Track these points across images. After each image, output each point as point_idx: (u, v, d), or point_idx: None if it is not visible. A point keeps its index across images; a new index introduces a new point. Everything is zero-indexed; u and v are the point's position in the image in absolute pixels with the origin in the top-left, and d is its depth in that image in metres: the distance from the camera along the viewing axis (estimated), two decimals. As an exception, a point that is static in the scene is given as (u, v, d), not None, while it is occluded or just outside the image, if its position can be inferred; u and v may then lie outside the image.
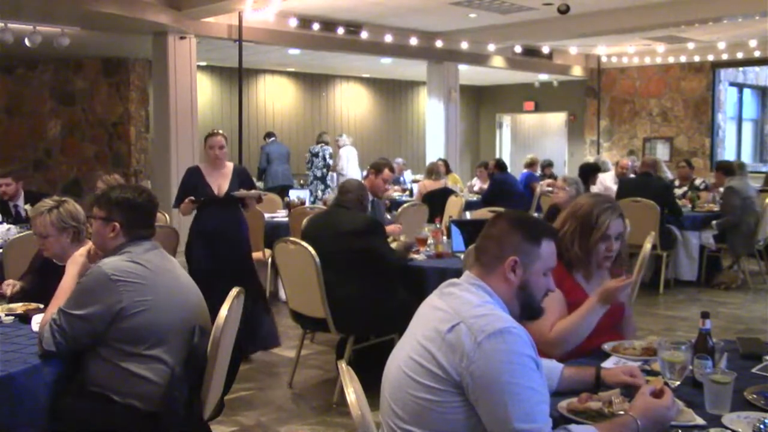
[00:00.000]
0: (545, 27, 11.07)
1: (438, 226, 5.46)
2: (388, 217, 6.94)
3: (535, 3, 9.60)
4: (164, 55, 9.29)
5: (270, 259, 6.62)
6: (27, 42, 8.77)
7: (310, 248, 4.37)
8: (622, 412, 2.00)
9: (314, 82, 15.62)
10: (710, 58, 14.11)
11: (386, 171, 5.94)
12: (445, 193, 8.80)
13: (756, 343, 2.74)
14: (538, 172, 11.61)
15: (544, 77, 15.97)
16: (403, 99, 17.30)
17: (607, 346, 2.69)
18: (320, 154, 12.32)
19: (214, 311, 2.81)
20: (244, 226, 5.45)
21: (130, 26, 8.89)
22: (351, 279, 4.42)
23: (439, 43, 11.88)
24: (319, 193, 12.11)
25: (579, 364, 2.47)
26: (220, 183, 5.30)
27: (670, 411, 1.95)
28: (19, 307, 3.25)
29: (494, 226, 2.15)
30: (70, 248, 3.24)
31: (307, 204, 8.94)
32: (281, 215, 7.85)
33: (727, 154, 15.33)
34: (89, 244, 3.03)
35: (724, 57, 13.88)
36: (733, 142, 16.24)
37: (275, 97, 15.02)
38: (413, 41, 11.59)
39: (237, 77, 10.24)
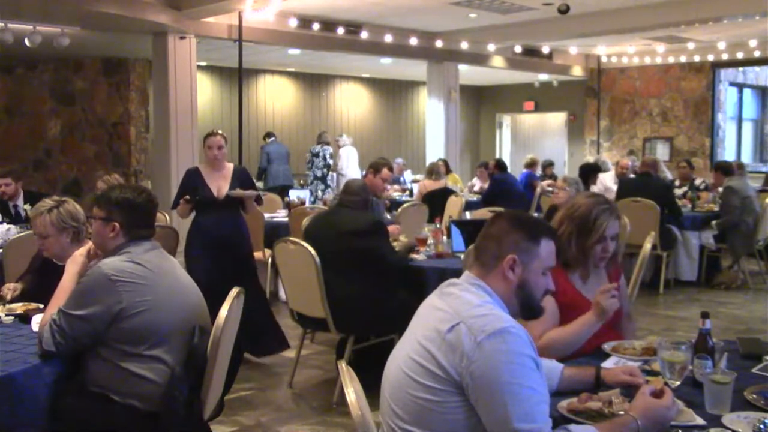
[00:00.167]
0: (545, 27, 11.06)
1: (438, 226, 5.46)
2: (388, 217, 6.94)
3: (535, 3, 9.60)
4: (164, 55, 9.28)
5: (270, 259, 6.62)
6: (27, 42, 8.77)
7: (310, 248, 4.37)
8: (622, 412, 2.00)
9: (314, 82, 15.62)
10: (710, 58, 14.11)
11: (385, 170, 5.94)
12: (445, 193, 8.80)
13: (756, 343, 2.74)
14: (539, 172, 11.62)
15: (544, 77, 15.97)
16: (403, 99, 17.30)
17: (607, 346, 2.69)
18: (321, 154, 12.32)
19: (215, 315, 2.80)
20: (244, 228, 5.35)
21: (130, 26, 8.88)
22: (352, 279, 4.42)
23: (439, 43, 11.88)
24: (320, 193, 12.11)
25: (579, 364, 2.47)
26: (220, 184, 5.17)
27: (670, 411, 1.95)
28: (19, 307, 3.25)
29: (493, 226, 2.15)
30: (69, 248, 3.24)
31: (307, 204, 8.95)
32: (281, 215, 7.85)
33: (727, 154, 15.33)
34: (89, 244, 3.03)
35: (724, 57, 13.87)
36: (733, 142, 16.24)
37: (275, 97, 15.02)
38: (413, 41, 11.59)
39: (237, 77, 10.23)
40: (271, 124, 14.55)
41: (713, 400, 2.10)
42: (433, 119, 13.25)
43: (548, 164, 12.21)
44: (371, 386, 2.22)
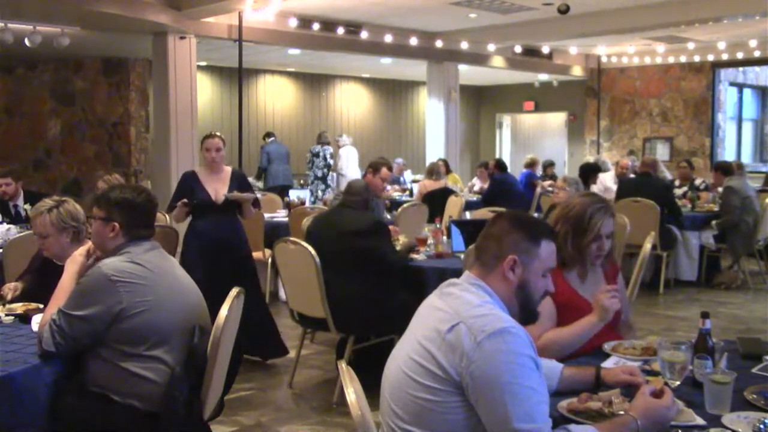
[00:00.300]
0: (545, 27, 11.06)
1: (438, 226, 5.46)
2: (388, 217, 6.95)
3: (535, 3, 9.60)
4: (164, 55, 9.29)
5: (270, 259, 6.62)
6: (27, 42, 8.77)
7: (310, 248, 4.37)
8: (622, 412, 2.00)
9: (314, 82, 15.62)
10: (710, 58, 14.11)
11: (384, 170, 5.93)
12: (445, 193, 8.80)
13: (756, 343, 2.74)
14: (540, 172, 11.63)
15: (544, 77, 15.97)
16: (403, 99, 17.30)
17: (607, 346, 2.69)
18: (321, 154, 12.32)
19: (214, 318, 2.80)
20: (242, 232, 5.23)
21: (130, 26, 8.89)
22: (352, 279, 4.42)
23: (439, 43, 11.88)
24: (320, 193, 12.11)
25: (579, 364, 2.47)
26: (217, 188, 5.04)
27: (670, 411, 1.95)
28: (19, 307, 3.25)
29: (495, 226, 2.15)
30: (69, 248, 3.23)
31: (308, 204, 8.95)
32: (281, 215, 7.85)
33: (727, 154, 15.33)
34: (88, 244, 3.03)
35: (724, 57, 13.87)
36: (733, 142, 16.24)
37: (275, 97, 15.02)
38: (413, 41, 11.59)
39: (237, 77, 10.24)
40: (271, 124, 14.55)
41: (713, 400, 2.10)
42: (433, 119, 13.25)
43: (549, 164, 12.21)
44: (371, 386, 2.22)
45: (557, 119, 17.55)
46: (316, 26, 10.41)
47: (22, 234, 4.81)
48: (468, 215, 7.18)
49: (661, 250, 7.53)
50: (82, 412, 2.65)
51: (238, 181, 5.17)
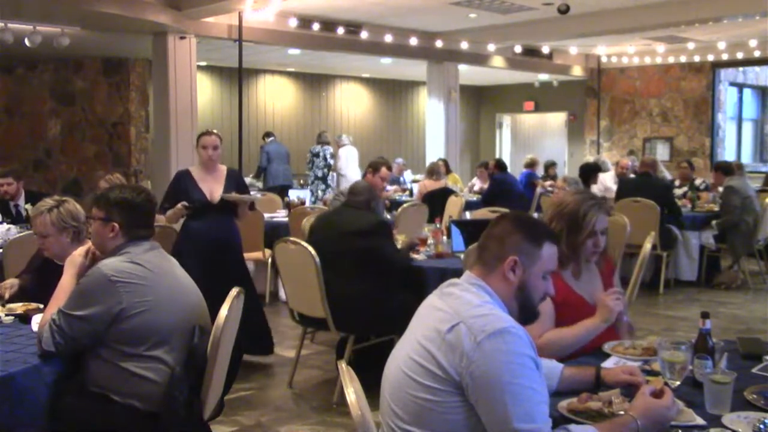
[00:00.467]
0: (545, 27, 11.06)
1: (438, 226, 5.46)
2: (388, 217, 6.94)
3: (535, 3, 9.60)
4: (164, 55, 9.29)
5: (270, 259, 6.62)
6: (27, 42, 8.77)
7: (310, 248, 4.37)
8: (622, 412, 2.00)
9: (314, 82, 15.62)
10: (710, 58, 14.11)
11: (383, 170, 5.93)
12: (445, 193, 8.80)
13: (756, 343, 2.74)
14: (542, 172, 11.62)
15: (544, 77, 15.97)
16: (403, 99, 17.30)
17: (607, 346, 2.69)
18: (321, 154, 12.31)
19: (214, 319, 2.80)
20: (237, 233, 5.13)
21: (130, 26, 8.89)
22: (352, 278, 4.42)
23: (439, 43, 11.88)
24: (320, 193, 12.11)
25: (579, 364, 2.47)
26: (213, 188, 4.92)
27: (670, 411, 1.95)
28: (19, 307, 3.25)
29: (497, 226, 2.15)
30: (69, 248, 3.23)
31: (308, 204, 8.95)
32: (281, 215, 7.85)
33: (727, 154, 15.32)
34: (88, 244, 3.03)
35: (724, 57, 13.87)
36: (733, 142, 16.23)
37: (275, 97, 15.02)
38: (413, 41, 11.59)
39: (237, 77, 10.24)
40: (271, 124, 14.55)
41: (713, 400, 2.10)
42: (433, 119, 13.25)
43: (551, 164, 12.20)
44: (371, 386, 2.22)
45: (557, 119, 17.55)
46: (316, 26, 10.41)
47: (22, 234, 4.81)
48: (468, 215, 7.18)
49: (661, 250, 7.53)
50: (82, 412, 2.65)
51: (235, 181, 5.07)
